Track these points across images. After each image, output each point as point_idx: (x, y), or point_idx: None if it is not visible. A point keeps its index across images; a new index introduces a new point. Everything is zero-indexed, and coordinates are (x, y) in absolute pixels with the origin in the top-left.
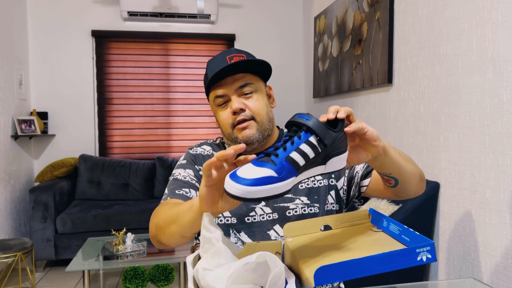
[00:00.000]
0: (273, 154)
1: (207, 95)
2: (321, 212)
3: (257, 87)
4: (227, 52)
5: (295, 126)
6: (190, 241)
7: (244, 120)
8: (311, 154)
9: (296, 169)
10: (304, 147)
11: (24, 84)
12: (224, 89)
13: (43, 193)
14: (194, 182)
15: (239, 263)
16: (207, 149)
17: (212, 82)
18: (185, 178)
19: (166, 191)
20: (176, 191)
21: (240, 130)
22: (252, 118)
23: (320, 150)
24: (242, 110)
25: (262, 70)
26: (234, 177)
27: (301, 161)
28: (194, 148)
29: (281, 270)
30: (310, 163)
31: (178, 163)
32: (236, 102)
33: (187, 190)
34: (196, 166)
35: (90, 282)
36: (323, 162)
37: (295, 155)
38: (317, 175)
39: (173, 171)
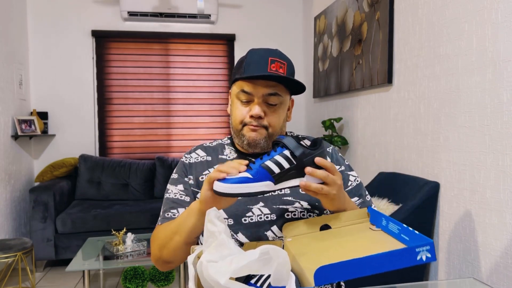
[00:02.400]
0: (252, 162)
1: (232, 81)
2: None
3: (283, 101)
4: (272, 52)
5: (276, 144)
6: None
7: (256, 125)
8: (285, 164)
9: (270, 174)
10: (279, 158)
11: (24, 84)
12: (253, 88)
13: (43, 193)
14: (183, 198)
15: (242, 258)
16: (201, 155)
17: (243, 77)
18: (175, 196)
19: (161, 210)
20: (166, 215)
21: (249, 130)
22: (265, 128)
23: (294, 162)
24: (260, 117)
25: (294, 88)
26: (222, 179)
27: (275, 168)
28: (188, 155)
29: (285, 260)
30: (286, 173)
31: (171, 176)
32: (258, 109)
33: (174, 211)
34: (185, 178)
35: (90, 282)
36: (302, 175)
37: (269, 163)
38: (296, 186)
39: (167, 186)
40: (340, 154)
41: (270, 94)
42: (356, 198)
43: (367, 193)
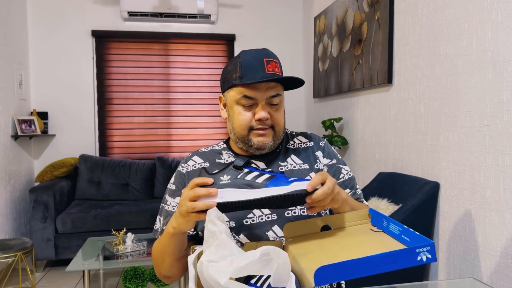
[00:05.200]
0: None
1: (228, 87)
2: (318, 215)
3: (282, 99)
4: (264, 53)
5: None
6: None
7: (264, 128)
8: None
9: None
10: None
11: (24, 84)
12: (256, 93)
13: (43, 193)
14: None
15: (242, 258)
16: (198, 161)
17: (245, 81)
18: (173, 209)
19: (160, 220)
20: (164, 228)
21: (257, 135)
22: (272, 127)
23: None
24: (267, 119)
25: (292, 85)
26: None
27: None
28: (185, 164)
29: (286, 261)
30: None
31: (169, 186)
32: (264, 112)
33: None
34: (182, 190)
35: (90, 282)
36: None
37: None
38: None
39: (164, 196)
40: (333, 148)
41: (272, 96)
42: (348, 190)
43: (358, 187)
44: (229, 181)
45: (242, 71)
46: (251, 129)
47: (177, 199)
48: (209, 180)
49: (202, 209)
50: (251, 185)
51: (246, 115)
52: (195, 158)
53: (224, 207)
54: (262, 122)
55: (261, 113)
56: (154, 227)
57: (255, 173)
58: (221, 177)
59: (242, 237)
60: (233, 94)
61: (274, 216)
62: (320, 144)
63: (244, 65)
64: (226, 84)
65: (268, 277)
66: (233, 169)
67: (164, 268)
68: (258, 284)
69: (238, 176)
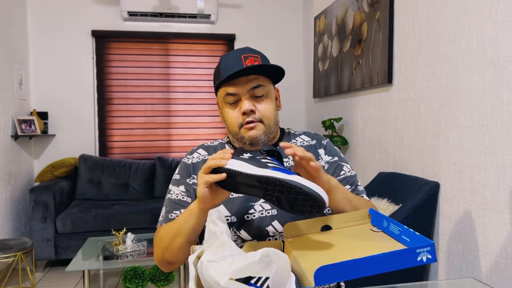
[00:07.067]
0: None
1: (216, 89)
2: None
3: (268, 90)
4: (242, 50)
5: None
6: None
7: (252, 122)
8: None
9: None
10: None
11: (24, 84)
12: (236, 88)
13: (43, 193)
14: (185, 199)
15: (242, 259)
16: (202, 154)
17: (224, 80)
18: (177, 196)
19: (162, 211)
20: (169, 216)
21: (247, 130)
22: (260, 121)
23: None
24: (252, 112)
25: (274, 74)
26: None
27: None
28: (190, 155)
29: (286, 263)
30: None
31: (173, 176)
32: (247, 104)
33: (177, 212)
34: (188, 180)
35: (90, 282)
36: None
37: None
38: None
39: (169, 187)
40: (335, 147)
41: (253, 87)
42: (348, 186)
43: (360, 184)
44: (247, 157)
45: (222, 72)
46: (241, 125)
47: (181, 187)
48: (227, 153)
49: (213, 167)
50: (262, 167)
51: (233, 113)
52: (200, 150)
53: (231, 179)
54: (248, 116)
55: (244, 105)
56: (159, 219)
57: (273, 164)
58: (245, 154)
59: (243, 232)
60: (220, 95)
61: (274, 212)
62: (322, 142)
63: (224, 66)
64: (215, 88)
65: (267, 278)
66: (259, 151)
67: (171, 251)
68: (258, 285)
69: (257, 157)
